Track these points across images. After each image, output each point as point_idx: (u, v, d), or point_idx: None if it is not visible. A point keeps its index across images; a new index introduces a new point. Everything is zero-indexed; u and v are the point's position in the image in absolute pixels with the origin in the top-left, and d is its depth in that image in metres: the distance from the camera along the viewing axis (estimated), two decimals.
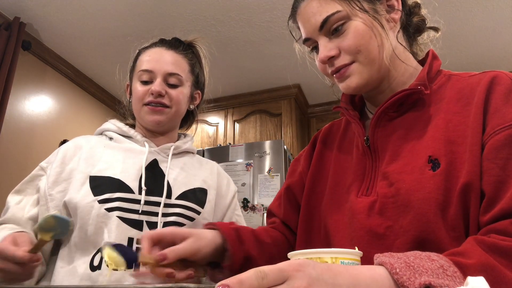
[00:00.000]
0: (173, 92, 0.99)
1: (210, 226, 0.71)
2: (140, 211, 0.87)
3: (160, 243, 0.63)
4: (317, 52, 0.71)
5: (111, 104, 3.40)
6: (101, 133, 1.05)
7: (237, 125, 3.49)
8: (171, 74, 0.98)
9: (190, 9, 2.48)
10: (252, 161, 2.79)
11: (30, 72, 2.69)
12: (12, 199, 0.90)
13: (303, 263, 0.38)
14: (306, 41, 0.73)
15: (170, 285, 0.47)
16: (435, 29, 0.76)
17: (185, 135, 1.12)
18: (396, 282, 0.40)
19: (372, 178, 0.67)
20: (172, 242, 0.63)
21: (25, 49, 2.59)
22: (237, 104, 3.53)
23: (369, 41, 0.65)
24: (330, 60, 0.69)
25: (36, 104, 2.73)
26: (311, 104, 3.70)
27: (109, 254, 0.57)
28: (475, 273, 0.39)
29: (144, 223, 0.86)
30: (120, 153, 0.95)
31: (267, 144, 2.82)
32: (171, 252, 0.60)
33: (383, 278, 0.41)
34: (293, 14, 0.74)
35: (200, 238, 0.65)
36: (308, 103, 3.69)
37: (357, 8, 0.66)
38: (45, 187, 0.89)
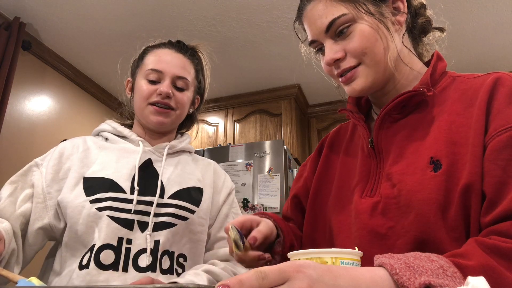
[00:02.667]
0: (179, 95, 0.99)
1: (261, 215, 0.74)
2: (132, 211, 0.87)
3: (241, 229, 0.66)
4: (323, 53, 0.72)
5: (111, 104, 3.39)
6: (97, 134, 1.05)
7: (237, 125, 3.48)
8: (179, 78, 0.99)
9: (190, 9, 2.48)
10: (252, 161, 2.79)
11: (30, 72, 2.69)
12: (5, 190, 0.89)
13: (304, 264, 0.38)
14: (312, 43, 0.73)
15: (170, 285, 0.47)
16: (441, 30, 0.76)
17: (182, 134, 1.12)
18: (396, 282, 0.40)
19: (377, 179, 0.68)
20: (251, 228, 0.66)
21: (25, 49, 2.59)
22: (237, 104, 3.53)
23: (375, 44, 0.66)
24: (336, 62, 0.69)
25: (36, 104, 2.73)
26: (311, 104, 3.70)
27: (234, 236, 0.62)
28: (475, 275, 0.39)
29: (135, 223, 0.86)
30: (114, 154, 0.95)
31: (267, 144, 2.82)
32: (258, 233, 0.64)
33: (383, 280, 0.41)
34: (299, 16, 0.75)
35: (267, 222, 0.68)
36: (308, 103, 3.69)
37: (363, 11, 0.66)
38: (43, 185, 0.89)
